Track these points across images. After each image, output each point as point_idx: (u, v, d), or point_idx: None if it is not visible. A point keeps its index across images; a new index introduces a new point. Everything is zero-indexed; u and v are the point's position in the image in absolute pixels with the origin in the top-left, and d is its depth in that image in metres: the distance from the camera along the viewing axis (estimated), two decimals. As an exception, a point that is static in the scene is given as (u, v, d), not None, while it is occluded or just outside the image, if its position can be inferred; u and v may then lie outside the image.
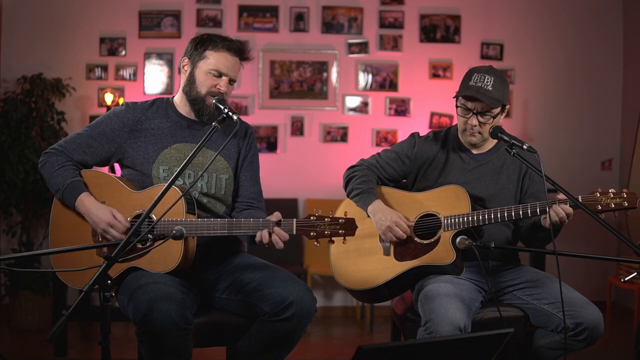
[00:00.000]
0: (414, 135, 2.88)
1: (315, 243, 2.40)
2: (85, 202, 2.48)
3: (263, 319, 2.44)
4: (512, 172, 2.75)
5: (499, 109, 2.66)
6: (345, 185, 2.86)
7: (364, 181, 2.78)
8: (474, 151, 2.77)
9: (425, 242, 2.64)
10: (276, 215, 2.40)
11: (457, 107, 2.71)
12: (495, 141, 2.77)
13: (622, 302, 5.36)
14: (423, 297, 2.52)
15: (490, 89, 2.62)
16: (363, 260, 2.74)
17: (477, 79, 2.64)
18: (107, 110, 4.86)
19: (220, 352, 2.82)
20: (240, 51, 2.60)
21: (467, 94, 2.64)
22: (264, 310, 2.42)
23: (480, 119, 2.65)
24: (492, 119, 2.65)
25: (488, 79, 2.63)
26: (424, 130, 2.97)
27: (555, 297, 2.51)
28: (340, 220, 2.37)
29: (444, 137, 2.84)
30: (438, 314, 2.40)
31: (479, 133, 2.68)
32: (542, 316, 2.58)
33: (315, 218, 2.38)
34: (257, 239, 2.42)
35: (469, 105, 2.65)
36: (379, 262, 2.70)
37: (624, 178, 5.36)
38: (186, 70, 2.61)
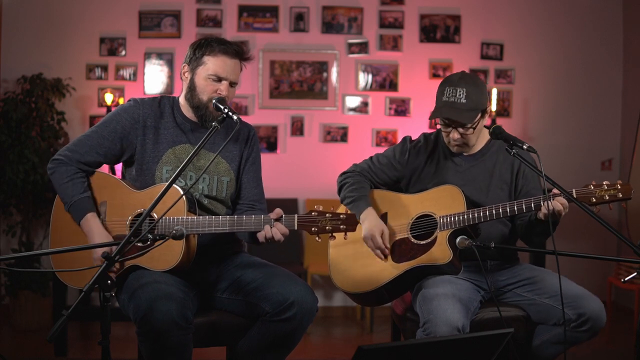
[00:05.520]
0: (405, 140, 2.87)
1: (317, 238, 2.40)
2: (90, 223, 2.46)
3: (264, 319, 2.44)
4: (505, 171, 2.74)
5: (478, 116, 2.64)
6: (339, 191, 2.87)
7: (356, 188, 2.78)
8: (465, 153, 2.77)
9: (421, 242, 2.65)
10: (277, 212, 2.40)
11: (435, 122, 2.71)
12: (485, 141, 2.77)
13: (622, 302, 5.36)
14: (421, 298, 2.52)
15: (463, 101, 2.59)
16: (361, 263, 2.74)
17: (449, 94, 2.61)
18: (108, 110, 4.87)
19: (220, 352, 2.82)
20: (238, 53, 2.57)
21: (441, 115, 2.62)
22: (265, 310, 2.42)
23: (462, 131, 2.64)
24: (472, 129, 2.64)
25: (460, 91, 2.59)
26: (424, 131, 2.95)
27: (555, 291, 2.51)
28: (341, 216, 2.38)
29: (434, 140, 2.83)
30: (436, 315, 2.41)
31: (464, 143, 2.68)
32: (543, 311, 2.59)
33: (317, 214, 2.38)
34: (260, 238, 2.41)
35: (447, 121, 2.65)
36: (376, 265, 2.70)
37: (624, 178, 5.36)
38: (187, 77, 2.59)
